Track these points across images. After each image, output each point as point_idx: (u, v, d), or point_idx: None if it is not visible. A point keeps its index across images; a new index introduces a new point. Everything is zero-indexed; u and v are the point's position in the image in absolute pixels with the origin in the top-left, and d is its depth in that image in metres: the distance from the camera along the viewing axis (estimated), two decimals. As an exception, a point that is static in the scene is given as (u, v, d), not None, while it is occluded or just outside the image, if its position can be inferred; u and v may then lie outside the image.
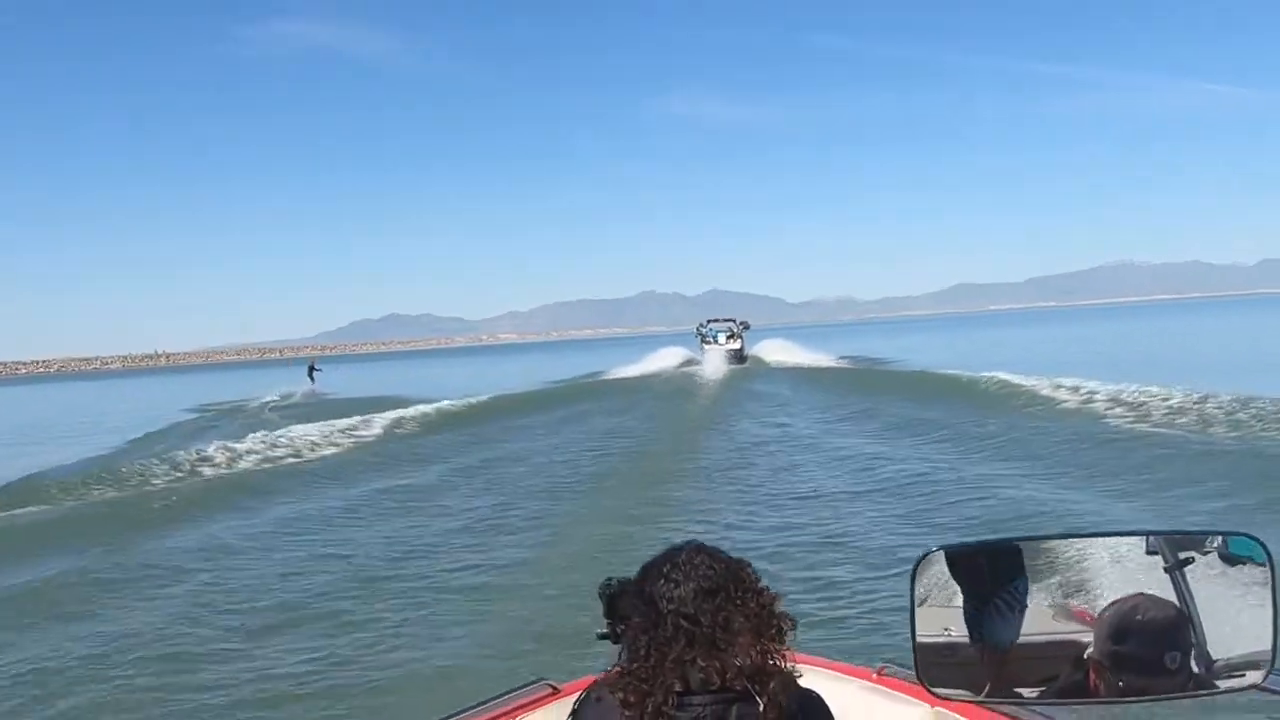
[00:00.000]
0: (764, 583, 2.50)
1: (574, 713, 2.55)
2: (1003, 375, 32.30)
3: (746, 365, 58.00)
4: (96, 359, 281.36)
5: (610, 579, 2.86)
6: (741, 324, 65.49)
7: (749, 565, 2.53)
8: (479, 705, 3.36)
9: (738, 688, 2.34)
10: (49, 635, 10.45)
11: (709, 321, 66.36)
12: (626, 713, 2.35)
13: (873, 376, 44.78)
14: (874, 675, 3.45)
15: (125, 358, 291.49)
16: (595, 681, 2.54)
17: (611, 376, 52.68)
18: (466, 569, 12.51)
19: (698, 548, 2.53)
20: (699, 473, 19.00)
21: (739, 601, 2.42)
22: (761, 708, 2.33)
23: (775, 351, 64.21)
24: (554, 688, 3.47)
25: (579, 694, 2.58)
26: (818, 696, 2.54)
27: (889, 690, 3.36)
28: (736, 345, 61.34)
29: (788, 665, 2.43)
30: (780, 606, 2.48)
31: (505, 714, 3.31)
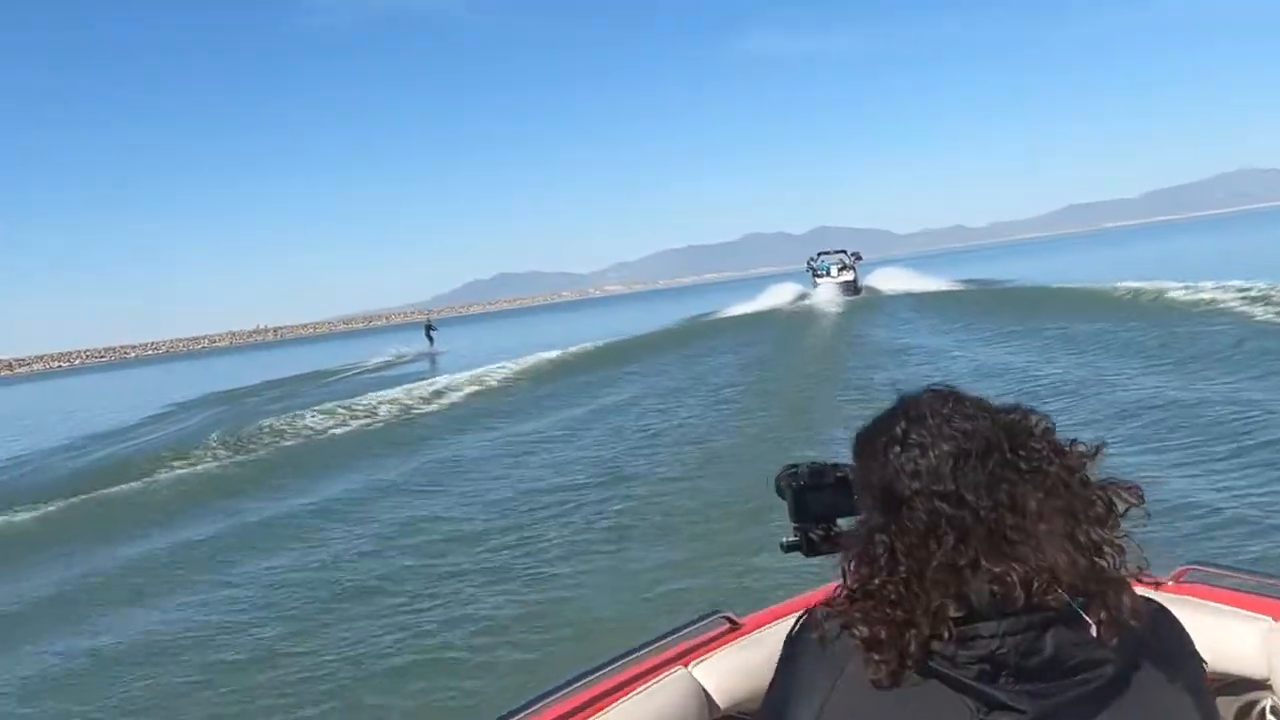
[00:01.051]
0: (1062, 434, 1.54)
1: (788, 657, 1.65)
2: (1133, 283, 31.20)
3: (862, 295, 57.25)
4: (204, 338, 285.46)
5: (794, 465, 2.10)
6: (854, 255, 64.48)
7: (1033, 411, 1.57)
8: (653, 643, 2.71)
9: (1052, 603, 1.41)
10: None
11: (820, 255, 65.45)
12: (875, 656, 1.47)
13: (1001, 296, 43.62)
14: (1170, 583, 2.57)
15: (233, 334, 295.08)
16: (813, 609, 1.63)
17: (728, 314, 52.13)
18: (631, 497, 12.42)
19: (946, 392, 1.61)
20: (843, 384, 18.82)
21: (1029, 466, 1.48)
22: (1095, 631, 1.42)
23: (890, 280, 63.31)
24: (732, 622, 2.77)
25: (776, 627, 1.81)
26: (1171, 615, 1.60)
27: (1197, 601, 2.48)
28: (850, 277, 60.48)
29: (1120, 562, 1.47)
30: (1097, 468, 1.52)
31: (680, 655, 2.63)
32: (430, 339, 58.67)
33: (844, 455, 1.73)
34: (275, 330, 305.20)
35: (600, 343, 38.00)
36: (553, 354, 33.54)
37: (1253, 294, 24.83)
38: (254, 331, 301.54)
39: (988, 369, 20.44)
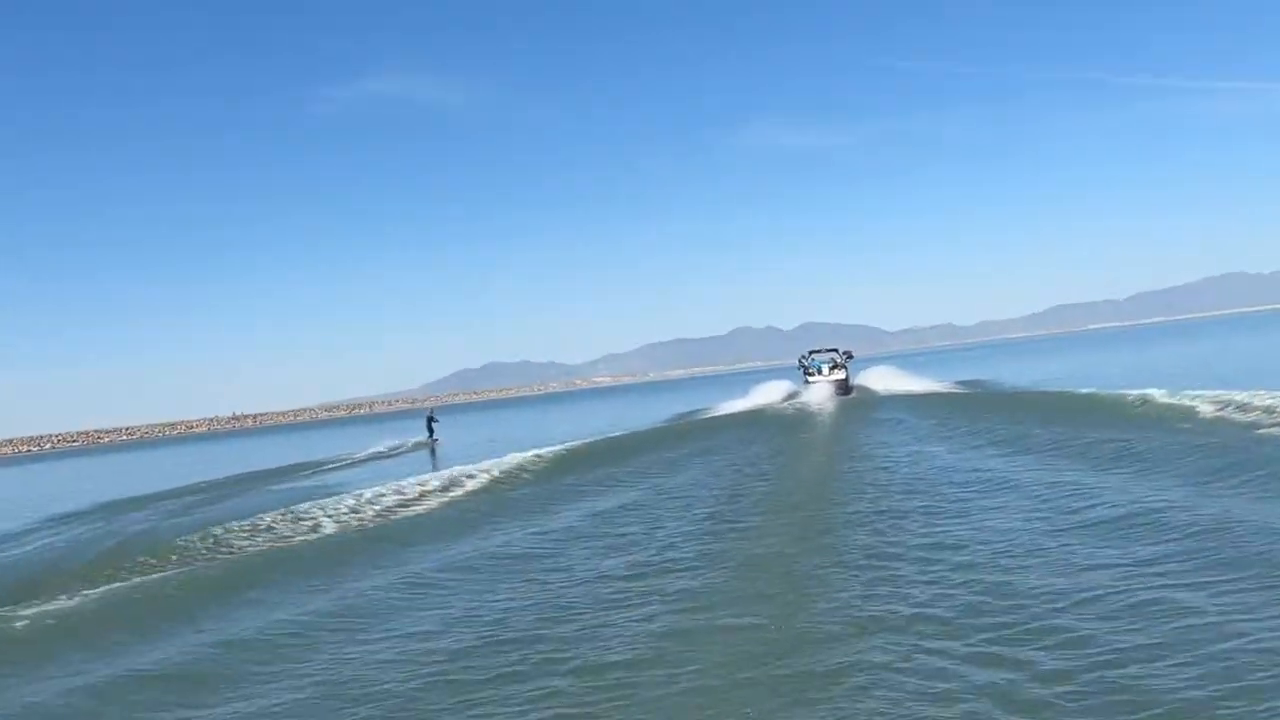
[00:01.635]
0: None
1: None
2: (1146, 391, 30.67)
3: (854, 395, 56.77)
4: (181, 423, 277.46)
5: None
6: (845, 354, 64.10)
7: None
8: None
9: None
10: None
11: (811, 353, 65.09)
12: None
13: (996, 400, 42.97)
14: None
15: (212, 420, 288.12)
16: None
17: (719, 413, 51.35)
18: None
19: None
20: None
21: None
22: None
23: (882, 380, 63.08)
24: None
25: None
26: None
27: None
28: (841, 375, 60.05)
29: None
30: None
31: None
32: (431, 429, 57.06)
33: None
34: (255, 417, 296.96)
35: (587, 440, 36.92)
36: (528, 454, 31.84)
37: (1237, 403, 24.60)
38: (232, 418, 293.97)
39: (991, 478, 19.52)
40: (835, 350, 64.55)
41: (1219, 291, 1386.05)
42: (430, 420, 58.06)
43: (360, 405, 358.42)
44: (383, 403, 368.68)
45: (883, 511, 16.58)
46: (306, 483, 38.36)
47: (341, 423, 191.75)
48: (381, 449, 53.84)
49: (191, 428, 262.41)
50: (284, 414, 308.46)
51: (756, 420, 43.05)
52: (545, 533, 18.07)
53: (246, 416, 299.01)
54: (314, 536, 20.45)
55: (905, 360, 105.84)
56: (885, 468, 22.81)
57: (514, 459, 30.67)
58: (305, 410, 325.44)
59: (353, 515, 22.33)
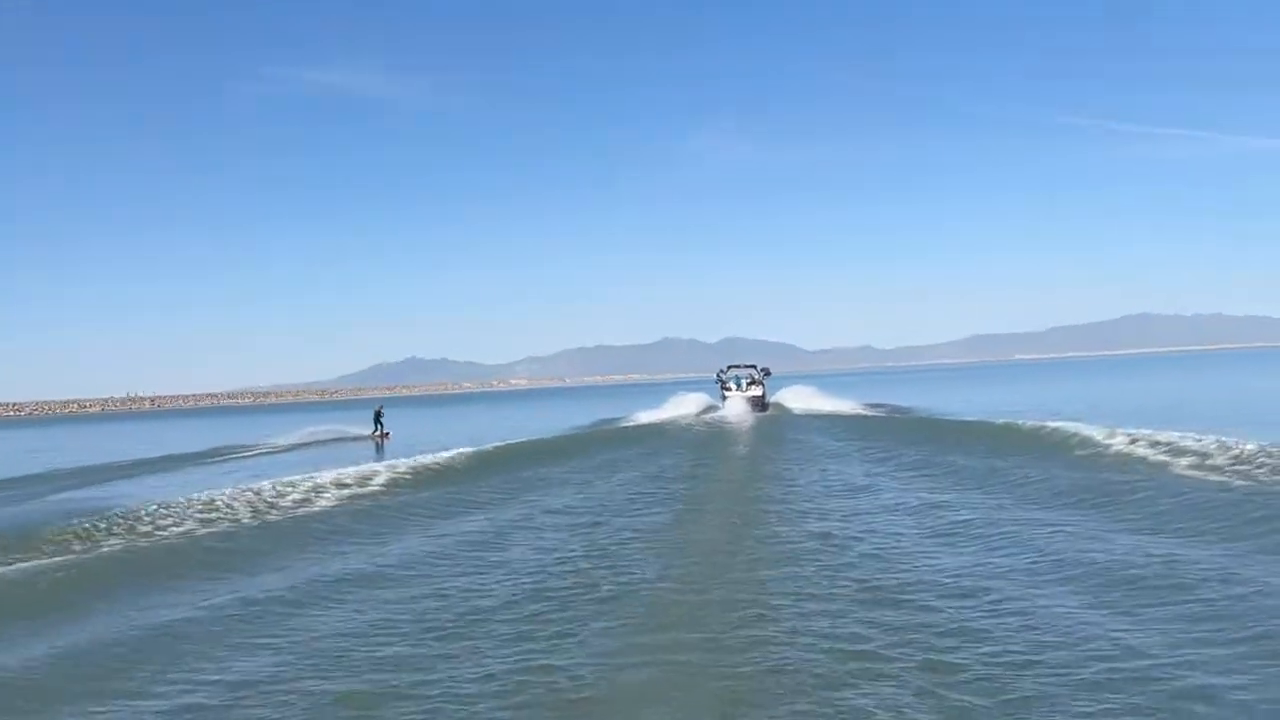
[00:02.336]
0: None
1: None
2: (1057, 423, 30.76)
3: (770, 412, 56.72)
4: (74, 401, 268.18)
5: None
6: (763, 370, 63.96)
7: None
8: None
9: None
10: None
11: (729, 368, 64.88)
12: None
13: (901, 424, 42.94)
14: None
15: (106, 401, 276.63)
16: None
17: (633, 422, 50.70)
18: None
19: None
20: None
21: None
22: None
23: (798, 399, 63.05)
24: None
25: None
26: None
27: None
28: (758, 392, 60.05)
29: None
30: None
31: None
32: (379, 423, 54.34)
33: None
34: (152, 399, 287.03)
35: (494, 445, 35.81)
36: (428, 458, 30.34)
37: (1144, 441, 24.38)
38: (128, 399, 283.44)
39: (894, 502, 19.24)
40: (753, 367, 64.36)
41: (1134, 330, 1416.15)
42: (378, 414, 55.52)
43: (268, 394, 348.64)
44: (291, 393, 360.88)
45: (778, 538, 15.78)
46: (217, 469, 37.20)
47: (250, 410, 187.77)
48: (303, 438, 52.56)
49: (84, 407, 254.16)
50: (185, 398, 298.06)
51: (668, 432, 42.50)
52: (407, 553, 16.73)
53: (143, 398, 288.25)
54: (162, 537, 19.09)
55: (824, 380, 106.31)
56: (790, 488, 22.16)
57: (403, 464, 28.92)
58: (208, 395, 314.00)
59: (235, 510, 21.07)
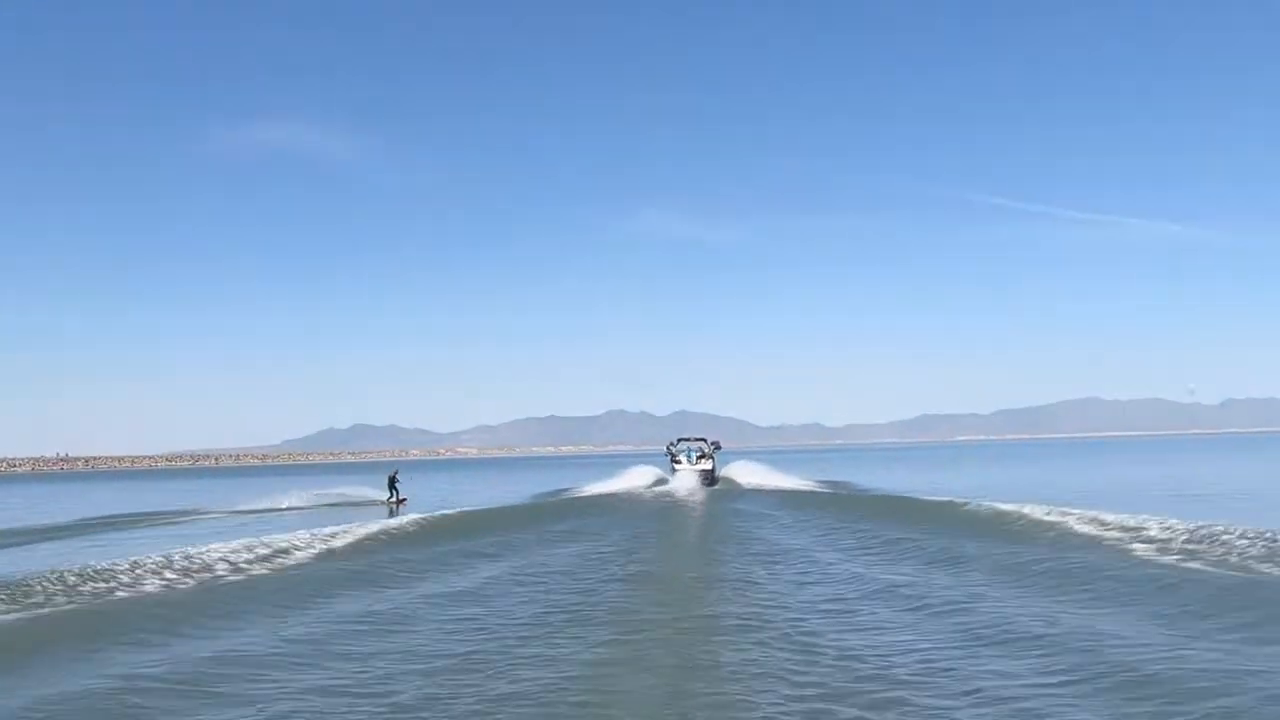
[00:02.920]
0: None
1: None
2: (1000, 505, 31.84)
3: (719, 486, 57.09)
4: (3, 460, 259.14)
5: None
6: (713, 444, 64.51)
7: None
8: None
9: None
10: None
11: (680, 440, 65.34)
12: None
13: (848, 500, 43.70)
14: None
15: (37, 460, 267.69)
16: None
17: (584, 494, 51.16)
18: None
19: None
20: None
21: None
22: None
23: (748, 474, 63.63)
24: None
25: None
26: None
27: None
28: (708, 466, 60.39)
29: None
30: None
31: None
32: (394, 489, 52.35)
33: None
34: (87, 460, 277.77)
35: (437, 514, 35.80)
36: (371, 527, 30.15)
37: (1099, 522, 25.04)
38: (59, 460, 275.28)
39: (839, 574, 19.91)
40: (704, 440, 64.81)
41: (1077, 415, 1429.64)
42: (393, 479, 52.74)
43: (206, 457, 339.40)
44: (230, 456, 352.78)
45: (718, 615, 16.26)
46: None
47: (195, 474, 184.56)
48: (310, 500, 52.14)
49: (14, 466, 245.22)
50: (120, 459, 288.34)
51: (618, 506, 42.56)
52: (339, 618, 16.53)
53: (76, 459, 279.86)
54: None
55: (772, 456, 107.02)
56: (737, 561, 22.58)
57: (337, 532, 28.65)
58: (144, 458, 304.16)
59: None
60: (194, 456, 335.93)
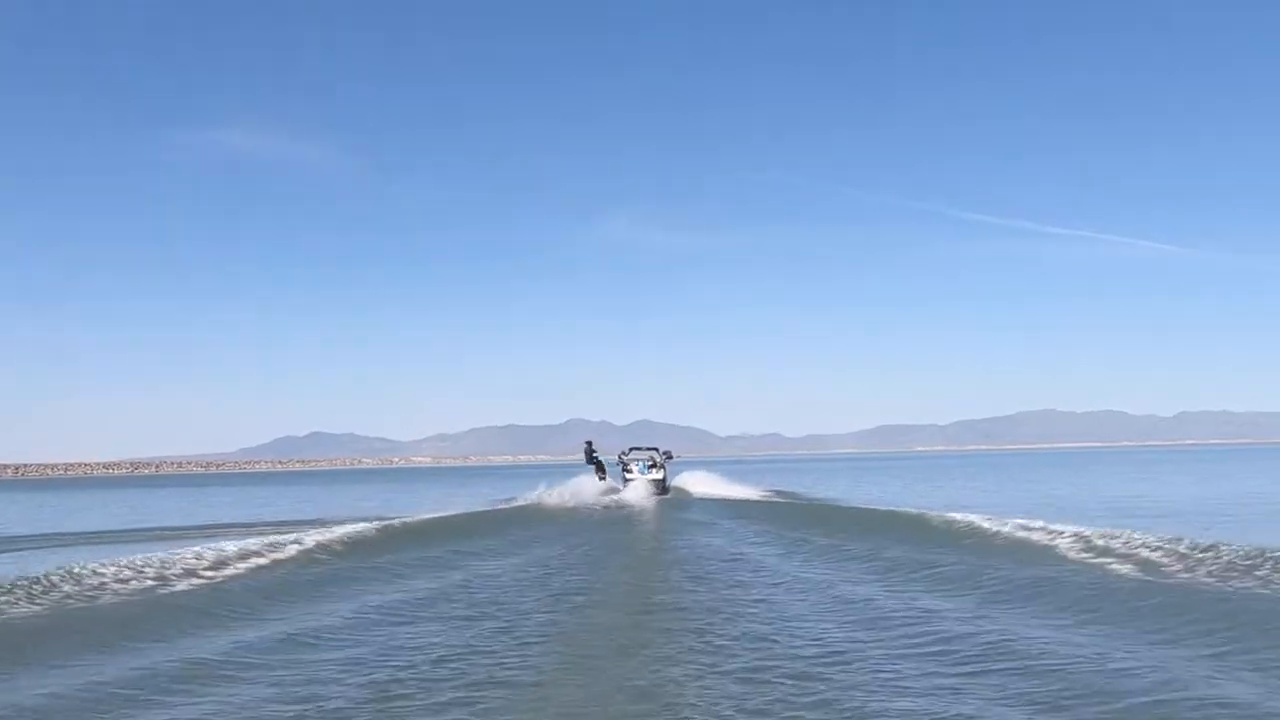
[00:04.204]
0: None
1: None
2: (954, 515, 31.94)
3: (670, 495, 56.59)
4: None
5: None
6: (665, 454, 63.68)
7: None
8: None
9: None
10: None
11: (631, 450, 64.49)
12: None
13: (799, 510, 43.52)
14: None
15: None
16: None
17: (524, 502, 50.39)
18: None
19: None
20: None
21: None
22: None
23: (700, 484, 63.07)
24: None
25: None
26: None
27: None
28: (659, 475, 59.68)
29: None
30: None
31: None
32: (603, 471, 51.81)
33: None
34: (16, 468, 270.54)
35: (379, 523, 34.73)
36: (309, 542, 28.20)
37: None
38: None
39: (778, 576, 19.49)
40: (655, 449, 64.06)
41: (1035, 425, 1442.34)
42: (593, 455, 53.89)
43: (145, 465, 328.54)
44: (171, 464, 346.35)
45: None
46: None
47: (133, 482, 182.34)
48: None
49: None
50: (50, 467, 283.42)
51: (558, 517, 42.03)
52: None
53: (4, 465, 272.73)
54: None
55: (729, 466, 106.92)
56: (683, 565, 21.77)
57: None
58: (80, 465, 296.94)
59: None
60: (135, 464, 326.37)
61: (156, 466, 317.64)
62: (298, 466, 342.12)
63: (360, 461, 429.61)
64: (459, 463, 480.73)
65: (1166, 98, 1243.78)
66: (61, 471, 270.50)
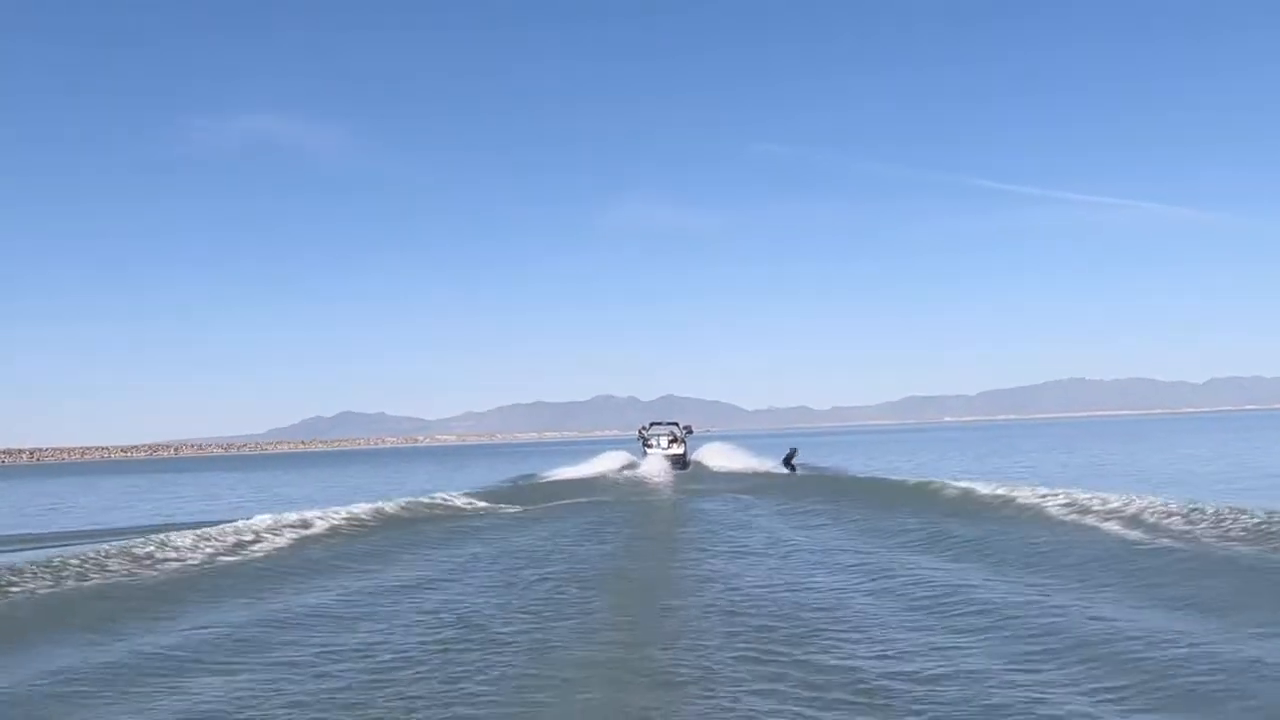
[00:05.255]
0: None
1: None
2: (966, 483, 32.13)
3: (690, 469, 57.03)
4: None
5: None
6: (685, 428, 64.26)
7: None
8: None
9: None
10: None
11: (652, 424, 65.06)
12: None
13: (818, 482, 43.90)
14: None
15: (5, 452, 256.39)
16: None
17: (550, 478, 51.11)
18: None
19: None
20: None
21: None
22: None
23: (719, 456, 63.33)
24: None
25: None
26: None
27: None
28: (679, 450, 60.11)
29: None
30: None
31: None
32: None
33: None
34: (31, 453, 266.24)
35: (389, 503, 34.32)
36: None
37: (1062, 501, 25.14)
38: (6, 452, 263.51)
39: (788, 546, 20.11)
40: (675, 424, 64.50)
41: (1063, 395, 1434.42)
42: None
43: (166, 447, 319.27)
44: (193, 446, 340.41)
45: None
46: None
47: (155, 467, 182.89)
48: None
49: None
50: (69, 450, 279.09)
51: (580, 490, 42.56)
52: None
53: (21, 450, 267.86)
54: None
55: (755, 440, 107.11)
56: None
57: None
58: (96, 448, 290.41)
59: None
60: (153, 447, 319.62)
61: (176, 449, 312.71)
62: (320, 447, 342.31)
63: (384, 440, 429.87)
64: (483, 440, 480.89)
65: (1186, 67, 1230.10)
66: (78, 456, 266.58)
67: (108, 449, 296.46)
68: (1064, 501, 25.51)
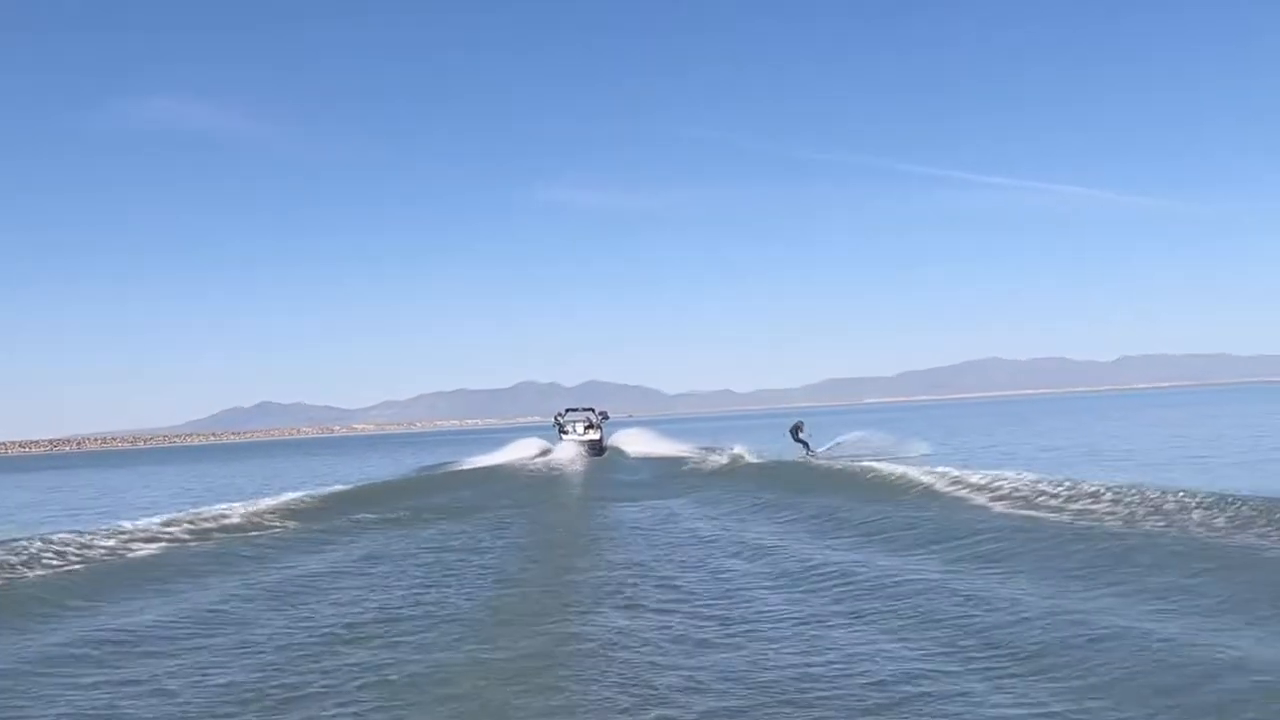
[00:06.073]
0: None
1: None
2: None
3: (606, 455, 56.54)
4: None
5: None
6: (600, 414, 63.73)
7: None
8: None
9: None
10: None
11: (567, 411, 64.42)
12: None
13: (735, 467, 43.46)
14: None
15: None
16: None
17: (461, 468, 50.05)
18: None
19: None
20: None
21: None
22: None
23: (636, 442, 63.07)
24: None
25: None
26: None
27: None
28: (595, 436, 59.71)
29: None
30: None
31: None
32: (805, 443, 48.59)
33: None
34: None
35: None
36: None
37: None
38: None
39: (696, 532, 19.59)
40: (591, 410, 64.03)
41: (978, 374, 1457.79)
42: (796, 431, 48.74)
43: (67, 442, 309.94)
44: (96, 439, 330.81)
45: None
46: None
47: (49, 463, 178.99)
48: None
49: None
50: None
51: (492, 477, 42.01)
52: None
53: None
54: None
55: (676, 425, 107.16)
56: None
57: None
58: (22, 442, 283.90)
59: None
60: (53, 442, 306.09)
61: (78, 443, 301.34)
62: (231, 439, 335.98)
63: (299, 431, 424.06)
64: (402, 429, 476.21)
65: (1101, 52, 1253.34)
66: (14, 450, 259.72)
67: (5, 445, 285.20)
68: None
